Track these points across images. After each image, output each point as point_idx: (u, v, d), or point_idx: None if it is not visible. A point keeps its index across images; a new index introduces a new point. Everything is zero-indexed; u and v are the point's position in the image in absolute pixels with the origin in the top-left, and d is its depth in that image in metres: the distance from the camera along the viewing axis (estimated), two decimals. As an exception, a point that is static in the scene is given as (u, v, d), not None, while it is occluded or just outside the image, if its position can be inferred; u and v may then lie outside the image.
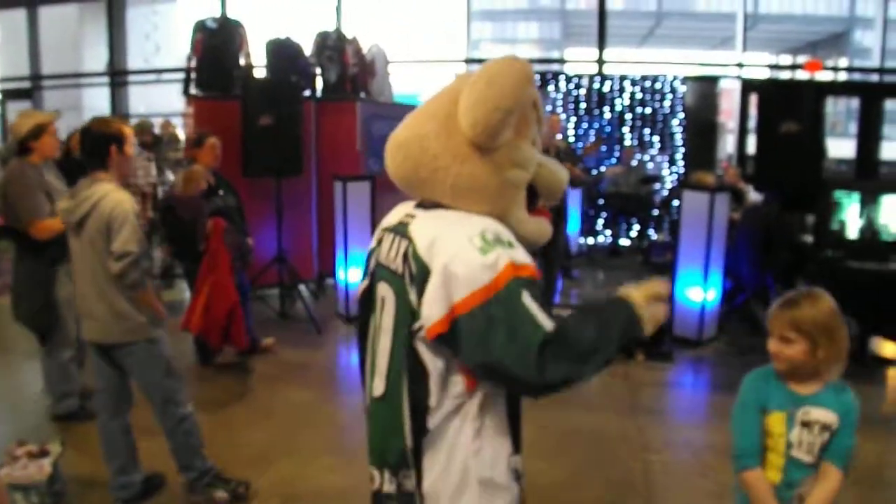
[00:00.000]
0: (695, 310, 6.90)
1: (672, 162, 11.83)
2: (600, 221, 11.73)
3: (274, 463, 4.35)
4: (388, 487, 1.99)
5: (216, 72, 7.64)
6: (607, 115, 11.71)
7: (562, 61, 27.43)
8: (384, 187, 8.77)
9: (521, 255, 1.78)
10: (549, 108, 11.58)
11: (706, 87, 11.89)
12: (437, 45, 26.92)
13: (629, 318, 1.84)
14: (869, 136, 11.81)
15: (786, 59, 37.25)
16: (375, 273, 2.07)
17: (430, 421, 1.85)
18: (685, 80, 11.74)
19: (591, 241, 11.59)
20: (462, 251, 1.74)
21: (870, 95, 11.94)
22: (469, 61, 13.44)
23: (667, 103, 11.71)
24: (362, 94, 8.91)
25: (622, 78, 11.72)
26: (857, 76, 18.31)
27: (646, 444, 4.85)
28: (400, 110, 10.43)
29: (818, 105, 6.87)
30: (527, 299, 1.71)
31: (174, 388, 3.76)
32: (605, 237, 11.74)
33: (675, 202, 11.48)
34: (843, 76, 18.72)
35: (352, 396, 5.56)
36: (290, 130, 7.16)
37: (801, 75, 15.70)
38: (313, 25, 8.95)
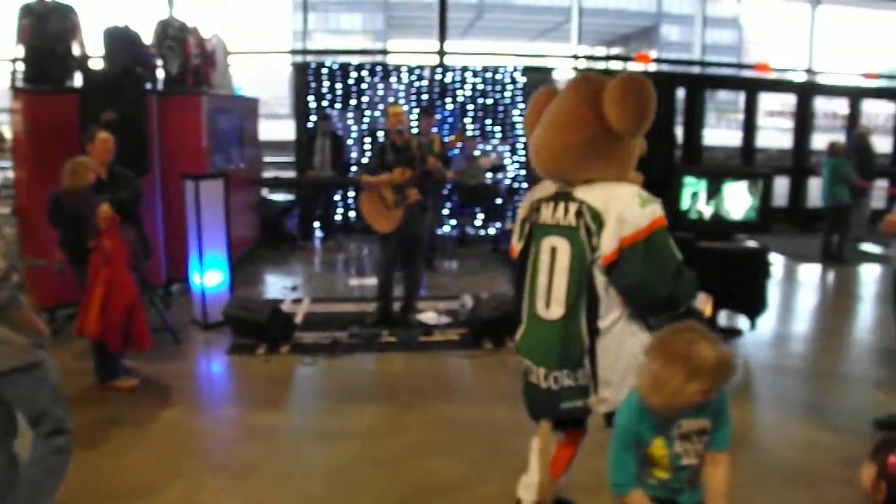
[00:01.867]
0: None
1: (514, 151, 12.01)
2: (445, 212, 11.74)
3: (161, 491, 3.98)
4: (568, 382, 2.91)
5: (47, 62, 6.93)
6: (449, 107, 11.73)
7: (394, 52, 27.33)
8: (236, 185, 8.45)
9: (661, 209, 2.78)
10: (391, 99, 11.48)
11: (543, 77, 12.15)
12: (260, 36, 26.16)
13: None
14: (693, 124, 12.47)
15: (601, 51, 39.04)
16: (535, 232, 3.03)
17: (602, 324, 2.82)
18: (524, 71, 11.94)
19: (438, 231, 11.57)
20: (629, 205, 2.74)
21: (695, 85, 12.69)
22: (295, 52, 13.05)
23: (507, 94, 11.87)
24: (205, 87, 8.44)
25: (463, 69, 11.76)
26: (665, 67, 19.37)
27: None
28: (242, 104, 10.06)
29: (669, 96, 7.13)
30: (667, 239, 2.76)
31: (62, 417, 3.32)
32: (451, 227, 11.76)
33: (521, 191, 11.75)
34: (664, 68, 19.67)
35: (224, 408, 5.27)
36: (136, 126, 6.65)
37: (623, 66, 16.45)
38: (143, 13, 8.39)
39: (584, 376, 2.88)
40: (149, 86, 7.70)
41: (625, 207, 2.73)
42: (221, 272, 7.02)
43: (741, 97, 14.09)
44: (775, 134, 22.91)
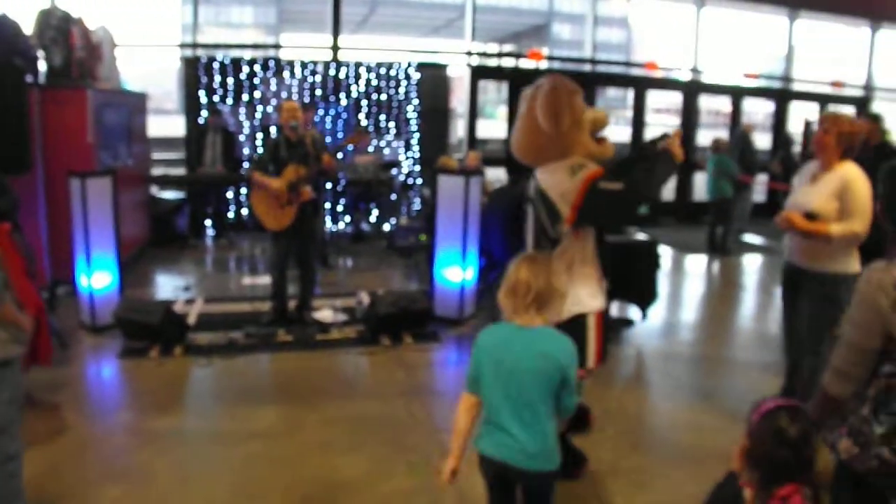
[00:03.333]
0: (454, 290, 7.12)
1: (408, 147, 12.04)
2: (340, 208, 11.67)
3: None
4: None
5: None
6: (343, 102, 11.65)
7: (281, 47, 26.90)
8: (124, 183, 8.16)
9: (590, 168, 3.81)
10: (283, 94, 11.32)
11: (438, 73, 12.21)
12: (149, 29, 25.38)
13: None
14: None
15: (493, 48, 39.44)
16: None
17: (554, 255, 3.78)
18: (419, 66, 11.97)
19: (333, 228, 11.49)
20: (563, 181, 3.81)
21: (586, 83, 12.94)
22: (185, 46, 12.72)
23: (402, 90, 11.88)
24: (90, 81, 8.12)
25: (357, 65, 11.70)
26: (557, 65, 19.77)
27: (436, 425, 4.93)
28: (130, 99, 9.74)
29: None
30: (601, 185, 3.73)
31: (13, 419, 3.22)
32: (345, 223, 11.69)
33: (415, 187, 11.79)
34: (555, 65, 20.02)
35: (118, 414, 5.10)
36: (15, 122, 6.33)
37: (516, 64, 16.68)
38: (23, 2, 8.02)
39: None
40: (30, 79, 7.37)
41: (562, 185, 3.82)
42: (110, 273, 6.78)
43: (630, 95, 14.49)
44: (662, 130, 23.66)
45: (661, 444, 4.77)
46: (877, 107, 16.92)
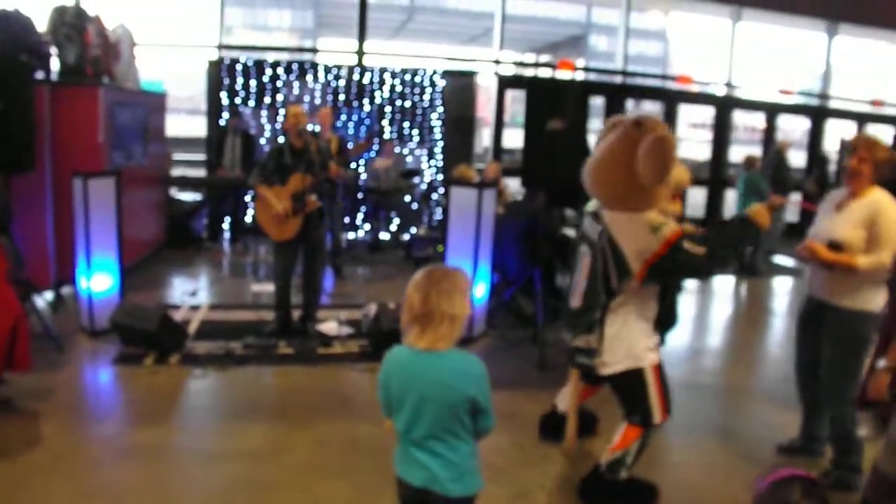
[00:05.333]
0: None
1: (431, 155, 11.83)
2: (360, 216, 11.48)
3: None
4: (579, 343, 4.02)
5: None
6: (367, 108, 11.47)
7: (314, 51, 26.89)
8: (131, 183, 8.03)
9: (672, 227, 3.70)
10: (307, 98, 11.17)
11: (464, 81, 11.99)
12: (185, 29, 25.48)
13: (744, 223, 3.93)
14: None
15: (530, 58, 39.23)
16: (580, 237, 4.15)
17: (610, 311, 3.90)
18: (444, 74, 11.75)
19: (351, 236, 11.30)
20: (641, 236, 3.72)
21: (616, 95, 12.69)
22: (221, 47, 12.62)
23: (426, 97, 11.68)
24: (105, 79, 8.00)
25: (382, 70, 11.52)
26: (591, 76, 19.49)
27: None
28: (147, 98, 9.61)
29: (583, 103, 7.02)
30: (683, 248, 3.65)
31: None
32: (364, 232, 11.50)
33: (435, 196, 11.56)
34: (589, 77, 19.76)
35: (103, 424, 4.88)
36: (21, 118, 6.15)
37: (551, 74, 16.44)
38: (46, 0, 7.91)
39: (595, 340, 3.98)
40: (40, 75, 7.25)
41: (639, 242, 3.72)
42: (111, 276, 6.62)
43: (662, 108, 14.19)
44: (695, 145, 23.32)
45: (672, 485, 4.46)
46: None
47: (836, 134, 15.28)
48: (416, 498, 2.71)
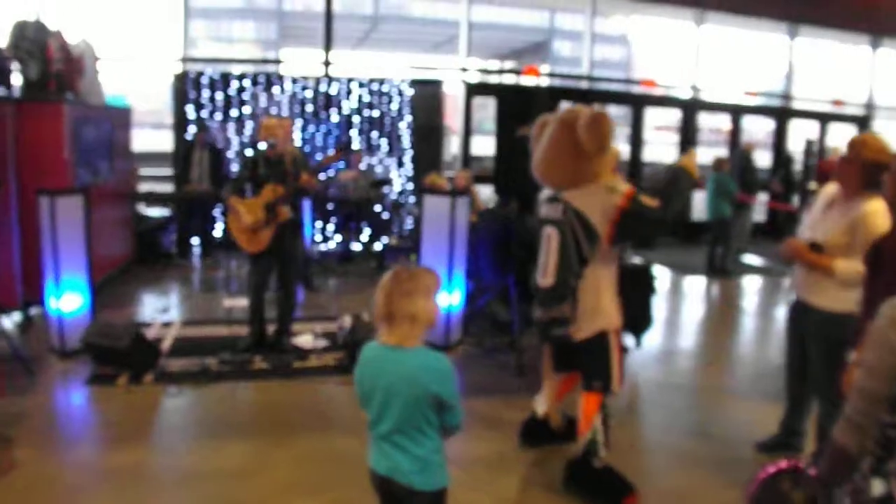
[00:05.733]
0: (441, 314, 6.81)
1: (400, 164, 11.80)
2: (330, 227, 11.41)
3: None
4: (554, 314, 4.25)
5: None
6: (335, 118, 11.42)
7: (276, 62, 26.70)
8: (98, 200, 7.91)
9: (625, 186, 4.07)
10: (273, 110, 11.10)
11: (431, 90, 11.98)
12: (146, 42, 25.22)
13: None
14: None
15: (494, 64, 39.31)
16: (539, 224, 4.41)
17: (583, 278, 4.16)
18: (412, 83, 11.73)
19: (322, 247, 11.22)
20: (603, 197, 4.04)
21: (583, 100, 12.71)
22: (186, 60, 12.51)
23: (394, 106, 11.65)
24: (69, 95, 7.88)
25: (349, 80, 11.48)
26: (556, 82, 19.55)
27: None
28: (112, 113, 9.49)
29: (552, 110, 7.05)
30: (640, 202, 4.01)
31: None
32: (335, 243, 11.43)
33: (406, 204, 11.53)
34: (554, 82, 19.83)
35: (77, 448, 4.79)
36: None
37: (515, 80, 16.48)
38: (6, 15, 7.78)
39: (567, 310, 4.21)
40: (3, 92, 7.14)
41: (603, 203, 4.03)
42: (81, 295, 6.50)
43: (629, 112, 14.30)
44: (661, 148, 23.50)
45: (651, 488, 4.47)
46: (878, 125, 16.69)
47: (800, 134, 15.48)
48: (384, 487, 2.80)
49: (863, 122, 16.69)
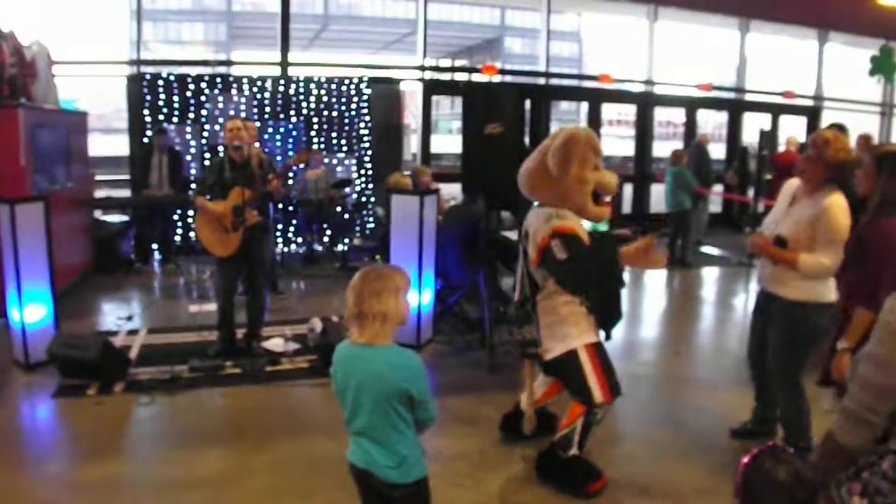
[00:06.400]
0: (411, 313, 6.78)
1: (360, 164, 11.74)
2: (292, 229, 11.31)
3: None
4: (526, 333, 4.48)
5: None
6: (293, 119, 11.32)
7: (229, 63, 26.40)
8: (56, 207, 7.72)
9: (565, 222, 4.03)
10: (231, 112, 10.95)
11: (389, 89, 11.95)
12: (96, 45, 24.74)
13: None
14: (538, 134, 12.57)
15: (446, 62, 39.39)
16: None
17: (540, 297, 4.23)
18: (371, 82, 11.68)
19: (284, 250, 11.12)
20: (540, 224, 4.05)
21: (543, 96, 12.82)
22: (140, 63, 12.28)
23: (353, 105, 11.59)
24: (23, 100, 7.70)
25: (308, 80, 11.39)
26: (509, 78, 19.62)
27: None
28: (68, 118, 9.31)
29: (518, 107, 7.07)
30: (567, 241, 3.94)
31: None
32: (298, 245, 11.34)
33: (369, 205, 11.49)
34: (506, 79, 19.89)
35: (49, 462, 4.67)
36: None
37: (467, 77, 16.50)
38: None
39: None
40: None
41: (538, 227, 4.03)
42: (44, 306, 6.36)
43: (584, 107, 14.41)
44: (617, 142, 23.80)
45: (622, 477, 4.50)
46: (826, 116, 17.02)
47: (753, 126, 15.74)
48: (363, 479, 2.83)
49: (813, 112, 17.03)
